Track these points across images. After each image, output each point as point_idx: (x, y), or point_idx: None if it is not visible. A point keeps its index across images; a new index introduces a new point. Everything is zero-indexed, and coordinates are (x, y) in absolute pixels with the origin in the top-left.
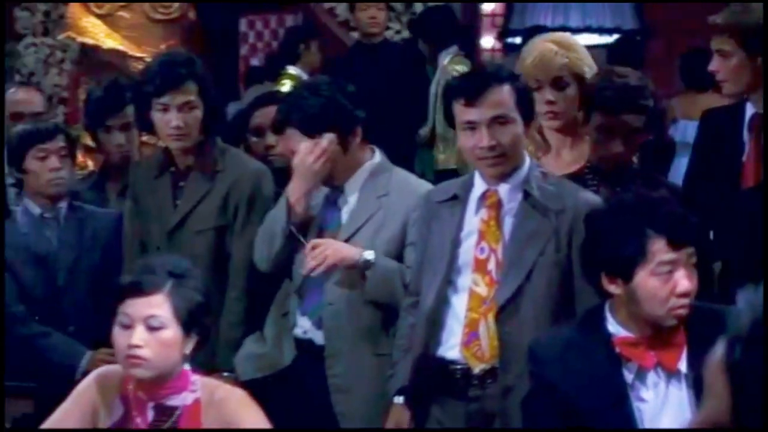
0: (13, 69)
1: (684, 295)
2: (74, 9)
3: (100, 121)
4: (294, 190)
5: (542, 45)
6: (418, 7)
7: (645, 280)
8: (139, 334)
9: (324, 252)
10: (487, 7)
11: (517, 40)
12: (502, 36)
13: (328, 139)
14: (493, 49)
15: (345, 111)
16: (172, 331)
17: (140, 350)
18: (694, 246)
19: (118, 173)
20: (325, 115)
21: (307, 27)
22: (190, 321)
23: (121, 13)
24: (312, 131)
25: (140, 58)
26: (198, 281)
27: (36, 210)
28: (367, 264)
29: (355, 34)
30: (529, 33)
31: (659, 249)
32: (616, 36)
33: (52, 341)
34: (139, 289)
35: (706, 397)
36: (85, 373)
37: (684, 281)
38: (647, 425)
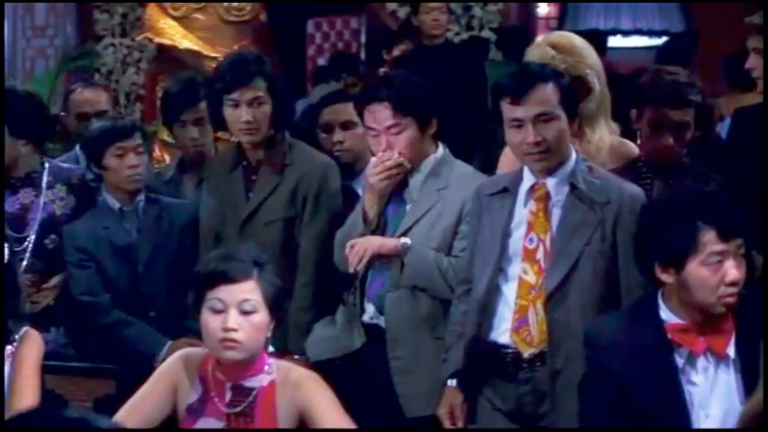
0: (92, 68)
1: (733, 284)
2: (152, 11)
3: (176, 115)
4: (366, 199)
5: (540, 50)
6: (477, 11)
7: (696, 269)
8: (234, 318)
9: (362, 247)
10: (542, 11)
11: None
12: None
13: (394, 160)
14: None
15: (430, 100)
16: (262, 315)
17: (235, 333)
18: (743, 237)
19: (194, 167)
20: (416, 96)
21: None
22: (275, 306)
23: (196, 15)
24: (400, 107)
25: (214, 58)
26: (275, 270)
27: (116, 204)
28: (405, 248)
29: None
30: (583, 36)
31: (710, 240)
32: (664, 38)
33: (135, 330)
34: (231, 276)
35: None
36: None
37: (733, 271)
38: (696, 408)
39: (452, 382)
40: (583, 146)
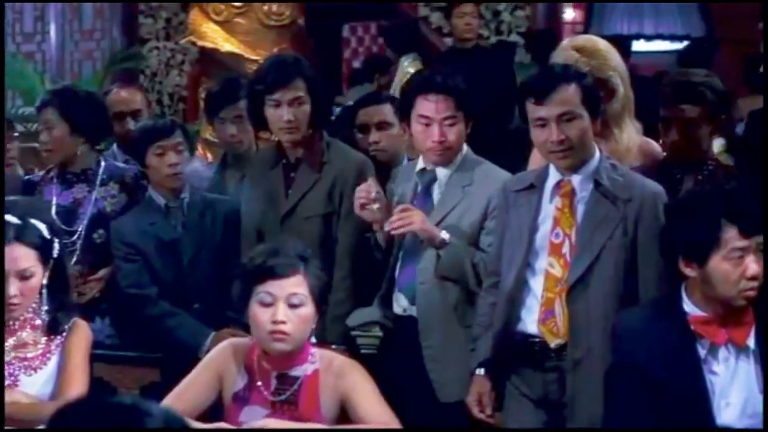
0: (137, 70)
1: (753, 278)
2: (195, 16)
3: (216, 112)
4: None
5: (565, 53)
6: (506, 16)
7: (718, 264)
8: (283, 311)
9: (411, 217)
10: (568, 16)
11: None
12: None
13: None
14: None
15: (478, 102)
16: (308, 308)
17: (284, 326)
18: (761, 233)
19: (235, 164)
20: (472, 94)
21: None
22: (320, 298)
23: (237, 19)
24: (460, 101)
25: (254, 61)
26: (318, 263)
27: (161, 201)
28: (443, 243)
29: (448, 40)
30: (607, 40)
31: (731, 237)
32: (685, 43)
33: (180, 321)
34: (280, 272)
35: None
36: (208, 351)
37: (753, 266)
38: (717, 397)
39: (480, 371)
40: (612, 146)
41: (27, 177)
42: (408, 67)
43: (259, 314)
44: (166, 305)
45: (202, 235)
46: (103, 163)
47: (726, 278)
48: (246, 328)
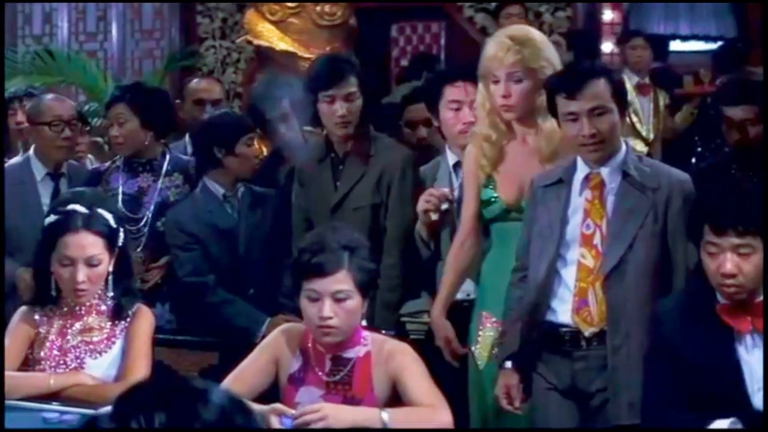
0: (195, 68)
1: (727, 275)
2: (251, 16)
3: (262, 112)
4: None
5: (497, 40)
6: (547, 17)
7: (703, 256)
8: (328, 307)
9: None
10: (606, 17)
11: None
12: (619, 42)
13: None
14: (611, 54)
15: None
16: (355, 301)
17: (330, 321)
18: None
19: (284, 159)
20: None
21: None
22: (367, 286)
23: (291, 19)
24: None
25: (308, 59)
26: (366, 248)
27: (220, 190)
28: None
29: None
30: (645, 39)
31: (706, 231)
32: (720, 43)
33: (237, 308)
34: (323, 270)
35: None
36: (264, 337)
37: (727, 264)
38: (748, 381)
39: (508, 364)
40: (533, 136)
41: (93, 167)
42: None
43: (308, 309)
44: (223, 292)
45: (255, 225)
46: (168, 155)
47: (707, 270)
48: (299, 313)
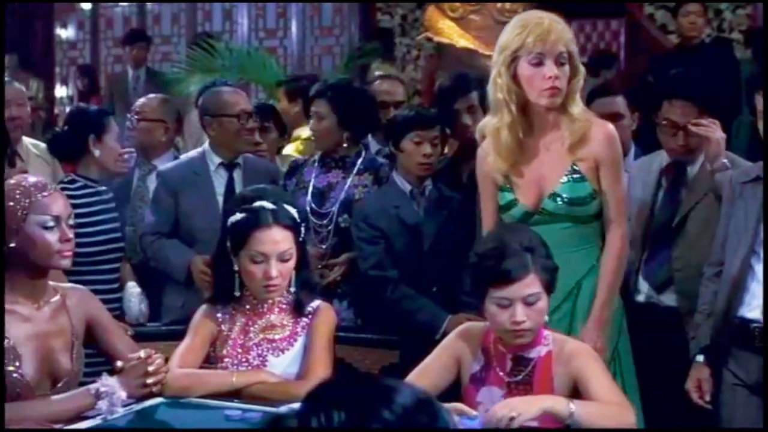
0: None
1: None
2: (431, 13)
3: (449, 104)
4: None
5: (537, 21)
6: (727, 15)
7: None
8: (521, 311)
9: None
10: None
11: None
12: None
13: None
14: None
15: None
16: (543, 301)
17: (523, 324)
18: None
19: (470, 156)
20: (717, 97)
21: None
22: (551, 284)
23: (472, 16)
24: (704, 105)
25: (488, 56)
26: (543, 245)
27: (407, 186)
28: None
29: (672, 37)
30: None
31: None
32: None
33: (419, 304)
34: (512, 277)
35: None
36: (444, 334)
37: None
38: None
39: (700, 358)
40: (567, 119)
41: (294, 159)
42: (375, 69)
43: (498, 315)
44: (406, 288)
45: (441, 222)
46: (364, 154)
47: None
48: (480, 312)
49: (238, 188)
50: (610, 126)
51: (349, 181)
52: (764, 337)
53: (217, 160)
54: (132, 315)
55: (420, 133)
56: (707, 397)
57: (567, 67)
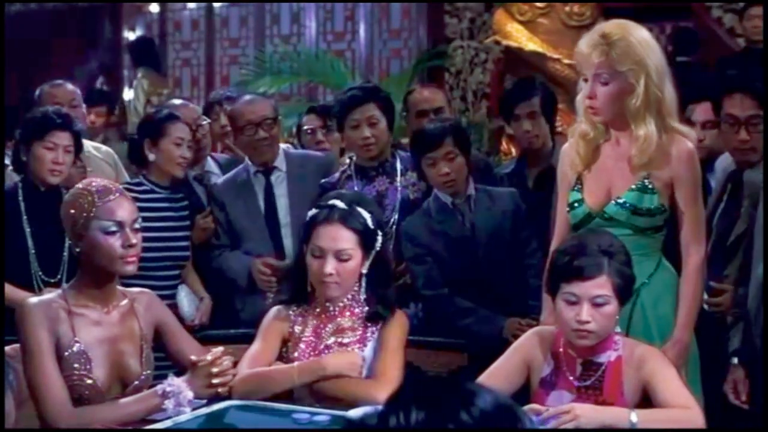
0: (443, 68)
1: None
2: (500, 16)
3: (511, 109)
4: None
5: (590, 36)
6: None
7: None
8: (586, 311)
9: None
10: None
11: None
12: None
13: None
14: None
15: None
16: (613, 306)
17: (588, 325)
18: None
19: (536, 158)
20: None
21: None
22: (625, 292)
23: (540, 20)
24: (762, 99)
25: (557, 60)
26: (625, 254)
27: (448, 199)
28: None
29: (740, 40)
30: None
31: None
32: None
33: (475, 317)
34: (583, 274)
35: None
36: (504, 339)
37: None
38: None
39: (734, 360)
40: (625, 142)
41: (324, 180)
42: (142, 78)
43: (565, 311)
44: (460, 302)
45: (493, 227)
46: (398, 155)
47: None
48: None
49: (277, 191)
50: (690, 144)
51: (397, 184)
52: (764, 337)
53: (253, 168)
54: (183, 314)
55: (431, 155)
56: (743, 398)
57: (611, 87)
